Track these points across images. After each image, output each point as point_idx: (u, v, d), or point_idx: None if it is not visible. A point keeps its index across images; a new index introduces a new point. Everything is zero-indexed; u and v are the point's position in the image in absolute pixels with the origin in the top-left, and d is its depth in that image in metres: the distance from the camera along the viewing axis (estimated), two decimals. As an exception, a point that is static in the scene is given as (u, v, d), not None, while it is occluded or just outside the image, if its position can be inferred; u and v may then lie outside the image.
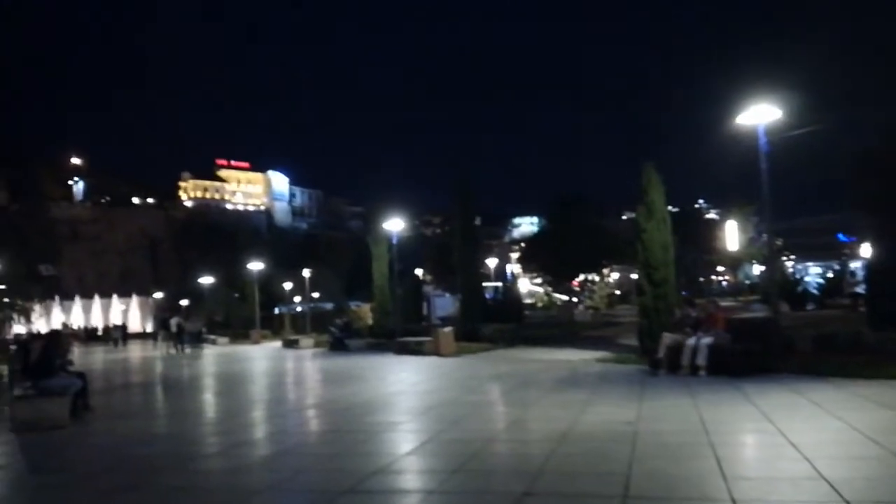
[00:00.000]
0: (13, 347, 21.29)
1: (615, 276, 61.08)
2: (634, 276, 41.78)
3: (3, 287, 33.77)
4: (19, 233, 36.70)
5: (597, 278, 52.14)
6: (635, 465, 5.86)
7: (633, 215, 17.79)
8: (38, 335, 15.35)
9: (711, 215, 79.27)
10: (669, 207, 15.68)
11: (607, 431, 7.53)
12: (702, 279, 69.86)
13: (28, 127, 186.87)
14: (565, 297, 55.15)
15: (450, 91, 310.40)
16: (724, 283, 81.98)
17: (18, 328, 40.35)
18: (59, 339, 12.28)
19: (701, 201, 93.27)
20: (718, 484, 5.17)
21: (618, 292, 59.27)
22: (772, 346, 12.12)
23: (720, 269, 72.23)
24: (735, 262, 50.24)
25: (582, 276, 54.71)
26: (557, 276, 53.88)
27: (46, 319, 55.03)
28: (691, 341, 12.09)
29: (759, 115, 12.49)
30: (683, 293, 20.48)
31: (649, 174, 14.95)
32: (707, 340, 11.93)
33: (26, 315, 42.76)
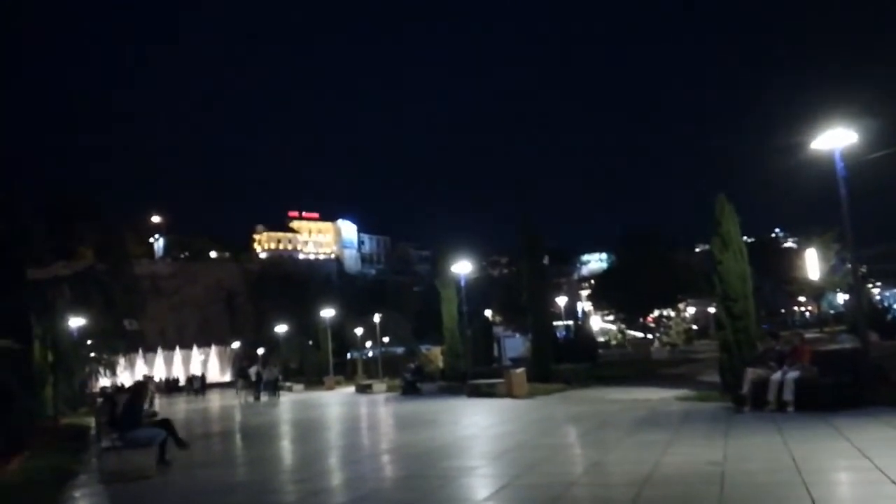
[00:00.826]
0: (100, 400, 22.20)
1: (691, 310, 59.38)
2: (712, 309, 40.60)
3: (90, 342, 35.35)
4: (105, 290, 38.54)
5: (672, 313, 50.79)
6: (725, 508, 5.58)
7: (706, 247, 17.33)
8: (124, 388, 15.94)
9: (789, 244, 76.62)
10: (745, 238, 15.21)
11: (693, 473, 7.22)
12: (783, 311, 67.22)
13: (108, 188, 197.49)
14: (639, 334, 53.87)
15: (511, 128, 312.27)
16: (807, 314, 78.67)
17: (104, 381, 42.07)
18: (144, 392, 12.71)
19: (777, 230, 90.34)
20: (817, 527, 4.87)
21: (695, 327, 57.48)
22: (863, 378, 11.48)
23: (802, 299, 69.40)
24: (817, 292, 48.19)
25: (656, 312, 53.45)
26: (630, 313, 52.81)
27: (131, 372, 57.28)
28: (777, 376, 11.57)
29: (835, 139, 12.08)
30: (765, 326, 19.68)
31: (722, 204, 14.59)
32: (793, 374, 11.40)
33: (112, 368, 44.63)
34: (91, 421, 19.45)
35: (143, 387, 13.82)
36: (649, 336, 51.46)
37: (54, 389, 23.03)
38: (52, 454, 13.24)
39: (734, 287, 14.11)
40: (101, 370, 41.49)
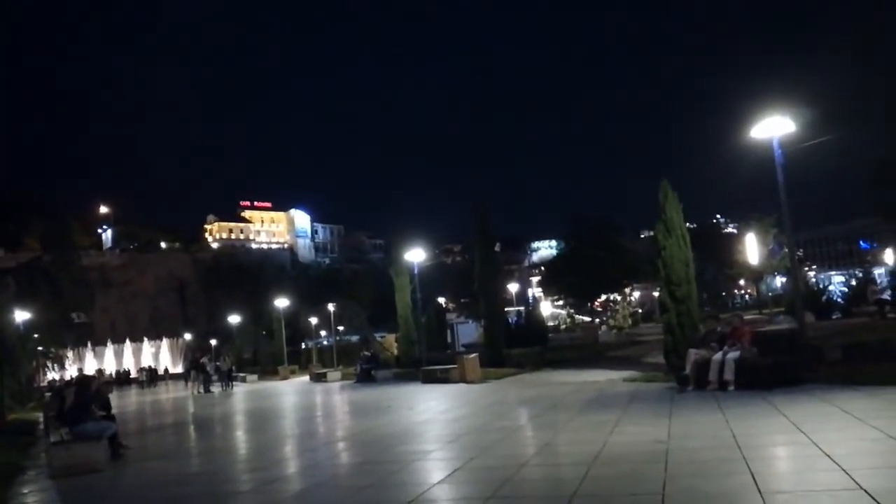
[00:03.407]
0: (48, 394, 21.68)
1: (637, 294, 60.69)
2: (656, 293, 41.54)
3: (36, 335, 34.39)
4: (52, 282, 37.49)
5: (619, 298, 51.90)
6: (669, 484, 5.84)
7: (651, 234, 17.73)
8: (72, 382, 15.63)
9: (730, 230, 78.82)
10: (687, 224, 15.64)
11: (639, 451, 7.50)
12: (724, 294, 69.13)
13: (54, 178, 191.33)
14: (588, 319, 54.85)
15: (461, 117, 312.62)
16: (747, 297, 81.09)
17: (52, 375, 40.97)
18: (92, 385, 12.50)
19: (718, 216, 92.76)
20: (755, 499, 5.15)
21: (640, 311, 58.81)
22: (800, 358, 12.01)
23: (742, 282, 71.53)
24: (756, 275, 49.66)
25: (604, 297, 54.49)
26: (579, 298, 53.74)
27: (79, 365, 55.83)
28: (718, 356, 12.02)
29: (773, 127, 12.51)
30: (706, 309, 20.31)
31: (665, 191, 14.95)
32: (734, 355, 11.86)
33: (60, 362, 43.45)
34: (39, 416, 19.01)
35: (90, 380, 13.60)
36: (597, 320, 52.45)
37: (0, 384, 22.37)
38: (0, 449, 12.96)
39: (677, 272, 14.52)
40: (49, 364, 40.38)
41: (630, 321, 48.46)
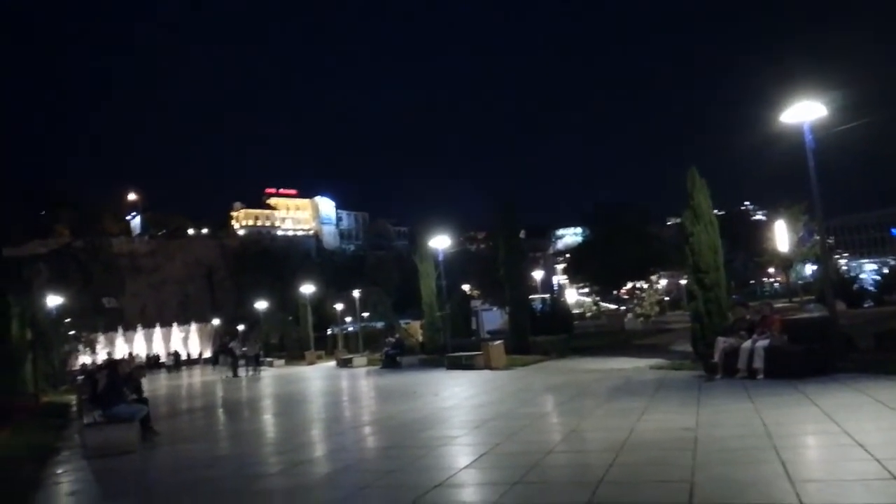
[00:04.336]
0: (80, 378, 22.16)
1: (663, 282, 60.10)
2: (683, 281, 41.09)
3: (68, 320, 35.09)
4: (83, 268, 38.18)
5: (645, 285, 51.48)
6: (698, 472, 5.79)
7: (677, 221, 17.54)
8: (103, 365, 15.93)
9: (759, 217, 77.67)
10: (715, 211, 15.45)
11: (667, 439, 7.45)
12: (752, 281, 68.27)
13: (84, 167, 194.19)
14: (613, 306, 54.47)
15: (486, 104, 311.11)
16: (776, 285, 80.00)
17: (84, 359, 41.87)
18: (122, 368, 12.72)
19: (747, 203, 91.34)
20: (785, 488, 5.08)
21: (667, 299, 58.25)
22: (831, 346, 11.82)
23: (771, 270, 70.53)
24: (786, 263, 48.89)
25: (629, 284, 54.05)
26: (604, 285, 53.38)
27: (110, 349, 57.00)
28: (747, 344, 11.88)
29: (804, 112, 12.27)
30: (734, 297, 20.04)
31: (694, 177, 14.78)
32: (763, 343, 11.71)
33: (91, 346, 44.40)
34: (72, 398, 19.41)
35: (121, 363, 13.85)
36: (623, 308, 52.08)
37: (34, 367, 22.89)
38: (34, 431, 13.28)
39: (706, 259, 14.36)
40: (81, 348, 41.28)
41: (656, 309, 48.04)
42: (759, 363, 11.54)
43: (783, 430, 7.26)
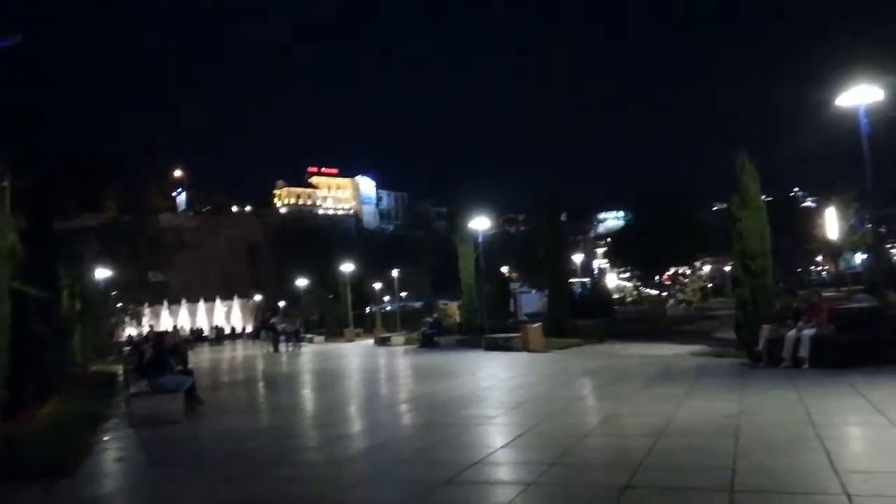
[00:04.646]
0: (127, 348, 22.78)
1: (707, 268, 59.02)
2: (727, 268, 40.35)
3: (115, 293, 36.04)
4: (131, 242, 39.16)
5: (688, 271, 50.64)
6: (740, 460, 5.71)
7: (724, 206, 17.18)
8: (149, 337, 16.34)
9: (808, 203, 75.58)
10: (764, 196, 15.09)
11: (708, 425, 7.36)
12: (800, 269, 66.64)
13: (130, 142, 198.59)
14: (654, 292, 53.78)
15: (529, 84, 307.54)
16: (825, 273, 77.97)
17: (131, 330, 43.07)
18: (167, 340, 13.03)
19: (797, 189, 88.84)
20: (830, 478, 4.99)
21: (710, 285, 57.23)
22: (879, 336, 11.50)
23: (819, 258, 68.69)
24: (835, 251, 47.52)
25: (672, 270, 53.24)
26: (646, 270, 52.68)
27: (156, 322, 58.52)
28: (793, 333, 11.65)
29: (860, 96, 11.85)
30: (780, 284, 19.60)
31: (743, 162, 14.45)
32: (810, 331, 11.47)
33: (138, 318, 45.62)
34: (119, 368, 19.97)
35: (166, 335, 14.18)
36: (664, 293, 51.38)
37: (82, 338, 23.57)
38: (83, 400, 13.67)
39: (753, 245, 14.07)
40: (128, 320, 42.42)
41: (699, 295, 47.29)
42: (804, 352, 11.32)
43: (828, 420, 7.12)
